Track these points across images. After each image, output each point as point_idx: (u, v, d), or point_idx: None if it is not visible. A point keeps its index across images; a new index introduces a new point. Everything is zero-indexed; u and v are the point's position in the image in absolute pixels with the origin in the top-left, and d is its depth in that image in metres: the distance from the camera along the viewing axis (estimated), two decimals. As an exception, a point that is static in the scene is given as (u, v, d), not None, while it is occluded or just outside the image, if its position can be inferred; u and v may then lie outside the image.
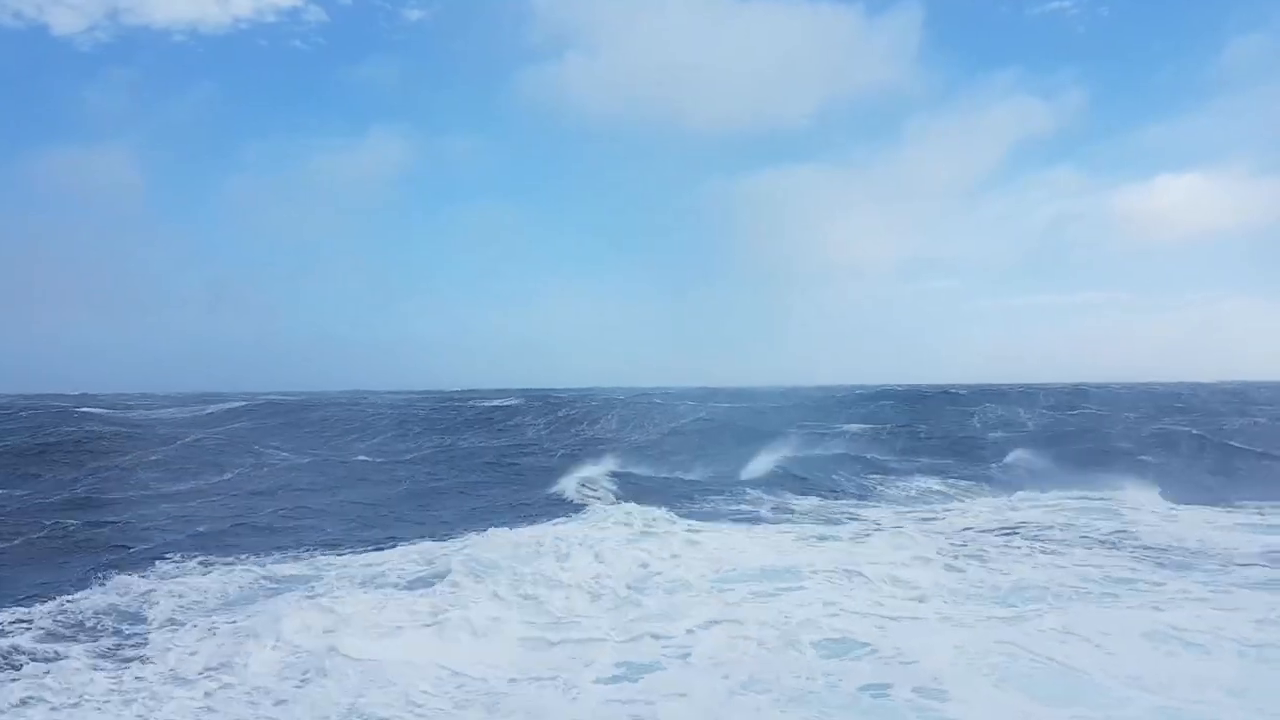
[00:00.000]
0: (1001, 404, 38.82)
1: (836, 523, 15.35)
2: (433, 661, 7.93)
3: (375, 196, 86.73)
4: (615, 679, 7.39)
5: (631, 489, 18.83)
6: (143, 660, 8.12)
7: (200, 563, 11.90)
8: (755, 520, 15.88)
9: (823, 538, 13.02)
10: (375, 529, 15.15)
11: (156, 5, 73.34)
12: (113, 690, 7.37)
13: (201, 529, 14.77)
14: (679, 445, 28.87)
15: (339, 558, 12.40)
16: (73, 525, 14.93)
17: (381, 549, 12.85)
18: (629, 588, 9.91)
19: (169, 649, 8.36)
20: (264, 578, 11.11)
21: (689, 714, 6.65)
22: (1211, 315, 79.84)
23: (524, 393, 58.80)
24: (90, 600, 9.91)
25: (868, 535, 13.38)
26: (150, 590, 10.32)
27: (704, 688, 7.07)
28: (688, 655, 7.86)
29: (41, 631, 8.91)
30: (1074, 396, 44.90)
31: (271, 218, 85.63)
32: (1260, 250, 73.32)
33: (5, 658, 8.17)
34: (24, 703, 7.08)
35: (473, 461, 25.55)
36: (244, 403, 46.92)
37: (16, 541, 13.90)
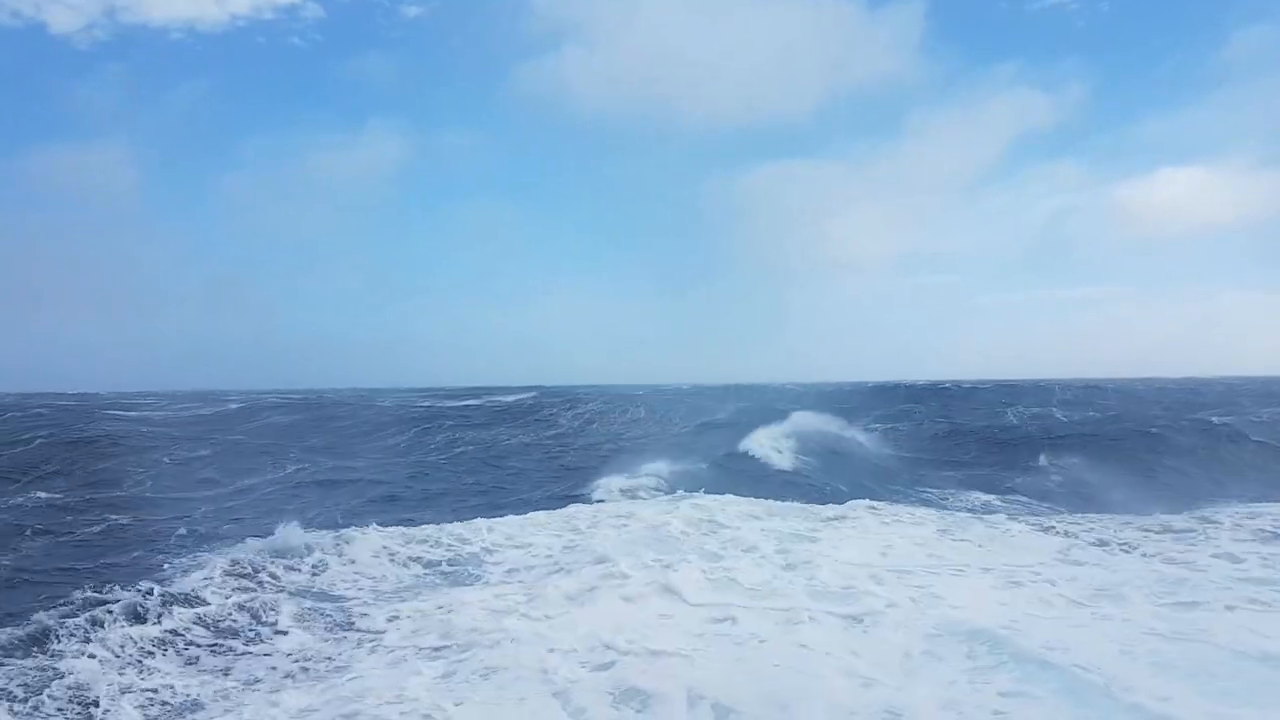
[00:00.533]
0: (1027, 401, 38.96)
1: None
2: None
3: (373, 193, 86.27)
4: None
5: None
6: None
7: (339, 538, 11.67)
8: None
9: (943, 531, 12.86)
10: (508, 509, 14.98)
11: (154, 3, 72.76)
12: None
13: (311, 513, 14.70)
14: (721, 440, 28.87)
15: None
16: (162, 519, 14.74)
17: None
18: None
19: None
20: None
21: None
22: (1213, 309, 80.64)
23: (535, 389, 58.57)
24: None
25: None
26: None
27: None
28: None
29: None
30: (1090, 392, 45.14)
31: (270, 215, 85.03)
32: (1262, 244, 74.04)
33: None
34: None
35: (533, 451, 25.53)
36: (277, 400, 46.57)
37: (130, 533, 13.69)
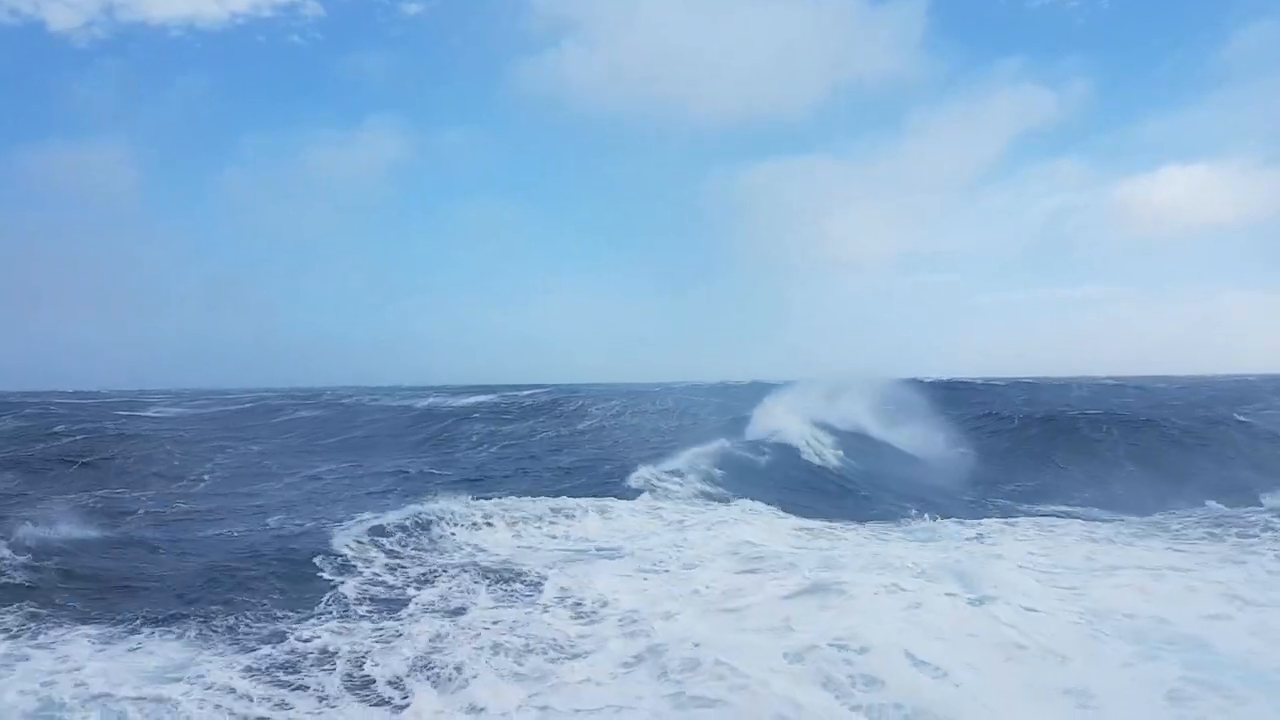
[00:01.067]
0: (1049, 396, 38.95)
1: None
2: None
3: (373, 191, 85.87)
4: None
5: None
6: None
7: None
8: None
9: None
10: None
11: (153, 1, 72.19)
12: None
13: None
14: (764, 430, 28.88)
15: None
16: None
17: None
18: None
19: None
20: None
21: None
22: (1214, 308, 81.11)
23: (545, 387, 58.30)
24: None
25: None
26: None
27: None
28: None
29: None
30: (1111, 390, 45.23)
31: (269, 214, 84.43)
32: (1265, 242, 74.55)
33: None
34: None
35: (580, 442, 25.49)
36: (284, 399, 46.27)
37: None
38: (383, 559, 10.09)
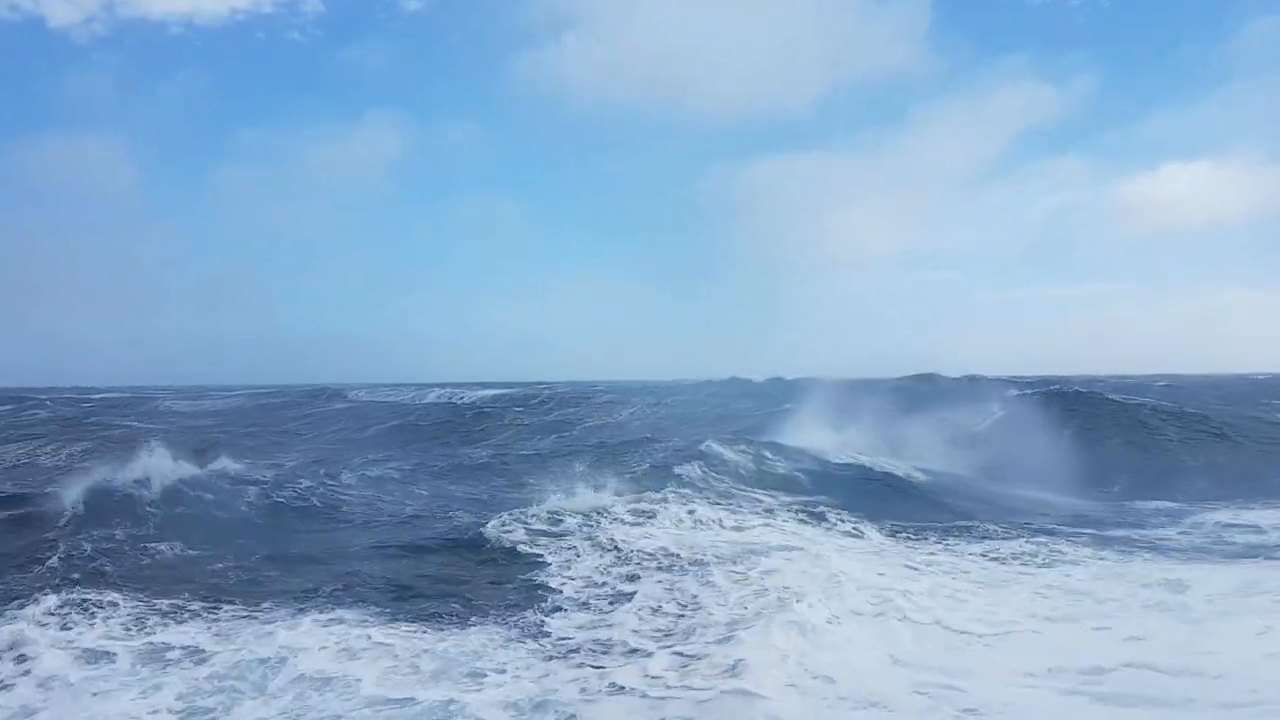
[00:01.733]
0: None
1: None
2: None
3: (373, 187, 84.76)
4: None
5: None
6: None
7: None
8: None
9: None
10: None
11: (153, -3, 71.54)
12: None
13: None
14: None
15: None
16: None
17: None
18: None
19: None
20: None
21: None
22: (1219, 307, 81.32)
23: (566, 384, 57.77)
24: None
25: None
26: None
27: None
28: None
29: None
30: (1137, 388, 44.68)
31: (268, 210, 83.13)
32: (1270, 240, 74.89)
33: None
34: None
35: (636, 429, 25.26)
36: (308, 396, 45.74)
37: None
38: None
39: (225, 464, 14.58)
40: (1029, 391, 30.27)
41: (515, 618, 7.77)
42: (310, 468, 16.86)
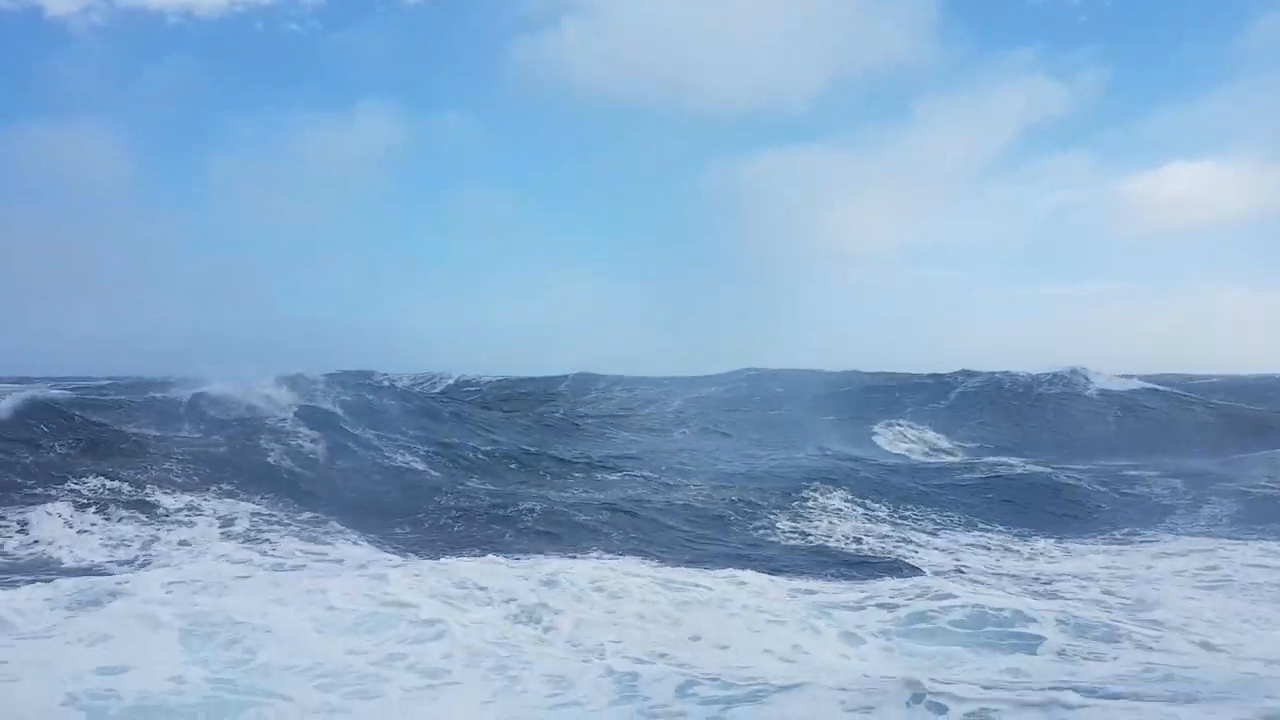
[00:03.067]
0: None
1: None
2: None
3: (371, 177, 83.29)
4: None
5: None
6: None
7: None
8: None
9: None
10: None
11: (150, -13, 70.30)
12: None
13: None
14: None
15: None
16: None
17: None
18: None
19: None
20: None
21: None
22: (1223, 305, 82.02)
23: (574, 377, 56.82)
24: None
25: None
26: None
27: None
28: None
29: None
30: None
31: (266, 202, 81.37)
32: (1273, 239, 75.54)
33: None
34: None
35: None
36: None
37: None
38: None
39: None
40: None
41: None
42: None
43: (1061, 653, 6.93)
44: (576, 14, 76.45)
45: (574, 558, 9.92)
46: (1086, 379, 34.88)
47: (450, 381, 49.40)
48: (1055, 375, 36.31)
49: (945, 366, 42.33)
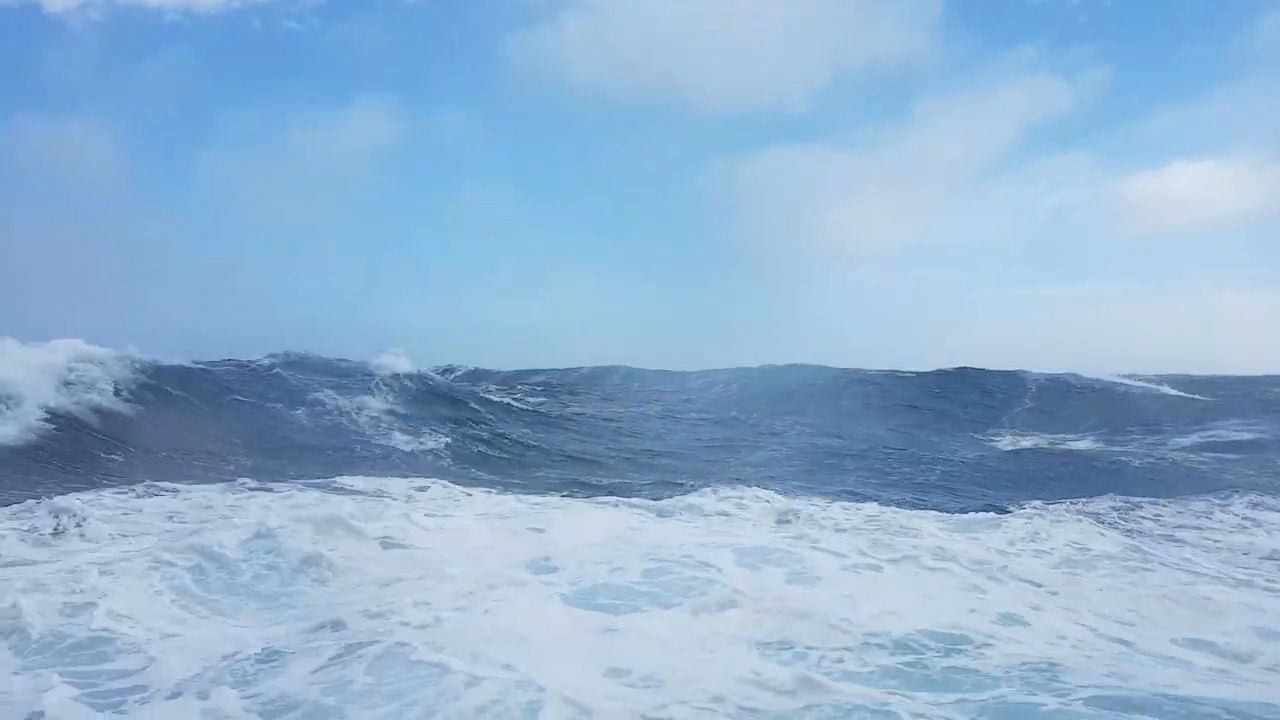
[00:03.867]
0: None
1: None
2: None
3: (368, 174, 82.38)
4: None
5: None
6: None
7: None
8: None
9: None
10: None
11: (149, -17, 69.89)
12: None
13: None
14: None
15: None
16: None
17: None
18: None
19: None
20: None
21: None
22: (1224, 306, 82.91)
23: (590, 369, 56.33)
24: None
25: None
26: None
27: None
28: None
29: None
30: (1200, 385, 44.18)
31: (263, 198, 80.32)
32: (1275, 239, 76.28)
33: None
34: None
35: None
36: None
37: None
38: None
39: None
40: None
41: None
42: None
43: None
44: (576, 10, 76.06)
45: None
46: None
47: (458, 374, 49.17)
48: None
49: (945, 366, 42.91)
